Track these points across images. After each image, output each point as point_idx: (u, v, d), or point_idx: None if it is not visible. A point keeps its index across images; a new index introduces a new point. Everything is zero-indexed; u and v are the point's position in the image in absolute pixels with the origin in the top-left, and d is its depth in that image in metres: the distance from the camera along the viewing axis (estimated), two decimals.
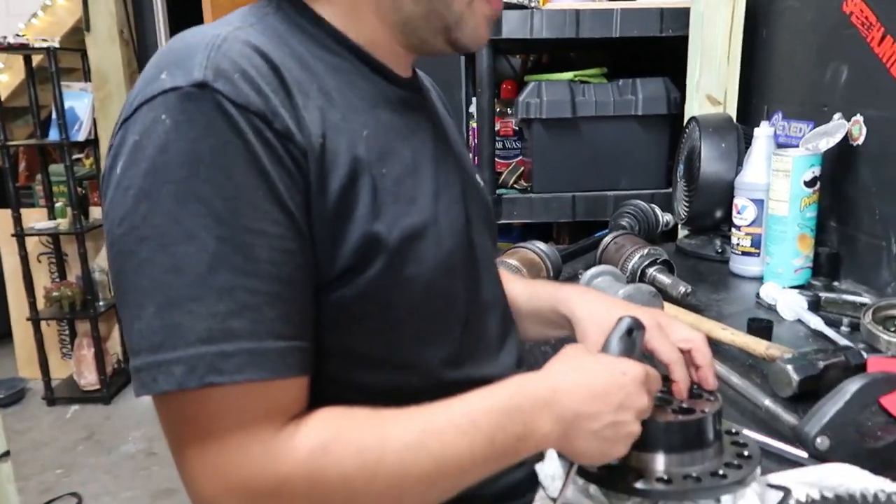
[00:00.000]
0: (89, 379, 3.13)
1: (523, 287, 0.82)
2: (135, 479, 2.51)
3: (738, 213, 1.23)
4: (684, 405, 0.59)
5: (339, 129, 0.54)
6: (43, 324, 3.16)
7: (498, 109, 1.85)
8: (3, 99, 3.06)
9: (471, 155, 2.03)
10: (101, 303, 3.18)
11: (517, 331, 0.75)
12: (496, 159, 1.78)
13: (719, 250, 1.33)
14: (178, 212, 0.46)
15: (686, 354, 0.63)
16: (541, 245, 1.20)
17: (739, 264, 1.24)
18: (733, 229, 1.25)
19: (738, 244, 1.24)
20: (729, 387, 0.78)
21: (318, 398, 0.52)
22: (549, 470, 0.60)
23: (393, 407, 0.51)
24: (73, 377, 3.20)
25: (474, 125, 1.93)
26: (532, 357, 0.91)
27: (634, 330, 0.58)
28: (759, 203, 1.20)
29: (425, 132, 0.65)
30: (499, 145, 1.86)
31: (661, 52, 1.77)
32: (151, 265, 0.46)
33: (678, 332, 0.64)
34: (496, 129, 1.81)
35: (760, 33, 1.48)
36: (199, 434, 0.46)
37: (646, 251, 1.14)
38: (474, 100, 1.90)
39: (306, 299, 0.51)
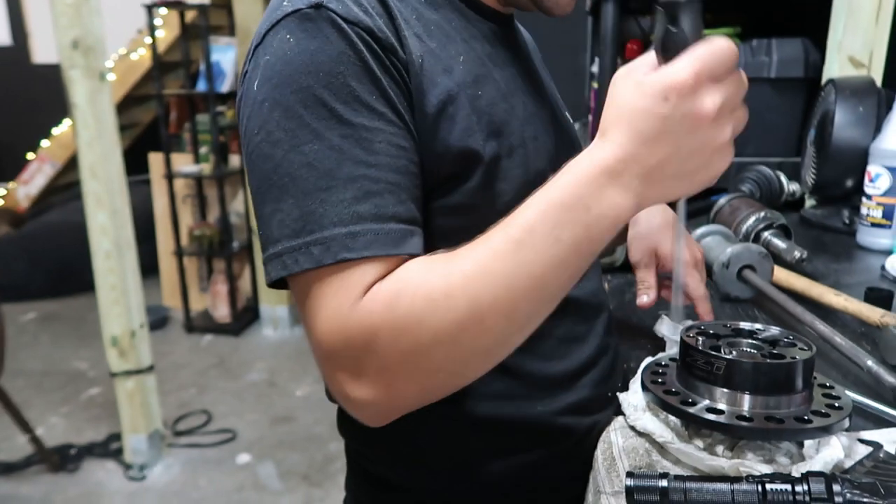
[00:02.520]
0: (222, 312, 3.43)
1: None
2: (258, 404, 2.74)
3: (871, 181, 1.16)
4: (775, 351, 0.59)
5: (435, 54, 0.58)
6: (185, 259, 3.48)
7: None
8: (159, 52, 3.34)
9: (590, 118, 2.01)
10: (235, 243, 3.45)
11: (597, 260, 0.77)
12: None
13: (847, 221, 1.26)
14: (306, 115, 0.52)
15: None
16: None
17: (868, 236, 1.17)
18: (864, 199, 1.18)
19: (867, 214, 1.17)
20: (833, 348, 0.76)
21: None
22: (633, 400, 0.63)
23: None
24: (209, 310, 3.51)
25: (595, 85, 1.91)
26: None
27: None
28: (895, 171, 1.12)
29: (517, 65, 0.68)
30: None
31: (801, 11, 1.66)
32: (288, 163, 0.52)
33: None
34: None
35: None
36: (327, 299, 0.52)
37: (762, 214, 1.11)
38: (597, 59, 1.87)
39: (419, 191, 0.56)
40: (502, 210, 0.59)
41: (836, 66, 1.42)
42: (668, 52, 0.47)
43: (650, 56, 0.49)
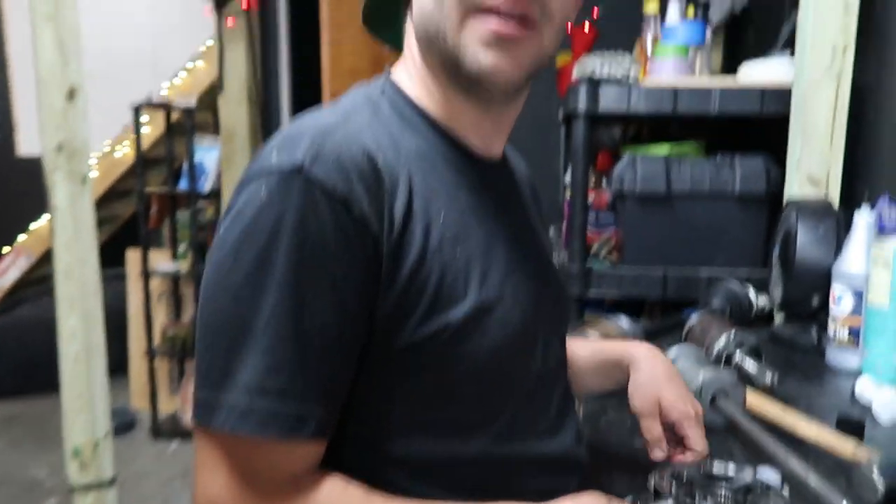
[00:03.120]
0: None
1: (588, 344, 0.85)
2: None
3: (836, 302, 1.18)
4: (742, 499, 0.58)
5: (417, 215, 0.59)
6: (156, 359, 3.40)
7: (593, 181, 1.87)
8: (143, 149, 3.40)
9: (564, 224, 2.06)
10: None
11: (577, 409, 0.77)
12: (588, 230, 1.79)
13: (816, 341, 1.28)
14: (254, 273, 0.54)
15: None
16: (624, 321, 1.20)
17: (837, 356, 1.18)
18: (830, 319, 1.20)
19: (835, 335, 1.18)
20: (807, 487, 0.75)
21: (364, 468, 0.59)
22: None
23: (434, 481, 0.56)
24: (178, 413, 3.40)
25: (568, 196, 1.96)
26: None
27: None
28: (858, 294, 1.15)
29: (503, 212, 0.69)
30: (591, 217, 1.88)
31: (761, 129, 1.75)
32: (224, 313, 0.54)
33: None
34: (590, 200, 1.83)
35: (868, 114, 1.44)
36: (211, 469, 0.55)
37: (733, 334, 1.12)
38: (570, 169, 1.94)
39: (342, 374, 0.57)
40: (475, 370, 0.59)
41: (796, 185, 1.48)
42: None
43: None
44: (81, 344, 2.03)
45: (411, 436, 0.60)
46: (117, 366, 3.08)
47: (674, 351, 1.07)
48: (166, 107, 3.27)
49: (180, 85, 3.84)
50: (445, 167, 0.65)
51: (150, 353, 3.33)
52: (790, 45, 1.64)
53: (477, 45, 0.59)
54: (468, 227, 0.63)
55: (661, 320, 1.40)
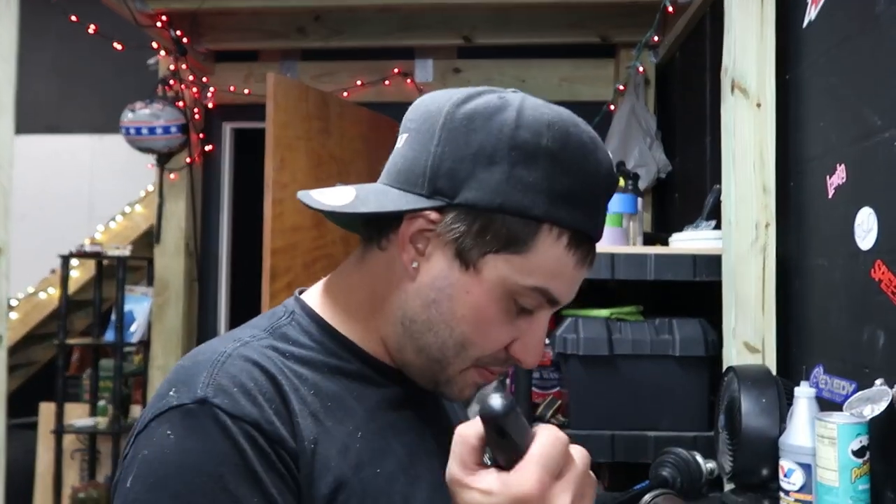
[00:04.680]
0: None
1: None
2: None
3: (785, 476, 1.18)
4: None
5: (330, 435, 0.57)
6: None
7: None
8: (69, 293, 3.26)
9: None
10: None
11: None
12: (533, 389, 1.78)
13: None
14: None
15: None
16: None
17: None
18: (781, 493, 1.19)
19: None
20: None
21: None
22: None
23: None
24: None
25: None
26: None
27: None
28: (807, 468, 1.15)
29: (427, 426, 0.67)
30: (536, 375, 1.87)
31: (696, 293, 1.82)
32: None
33: None
34: None
35: (794, 285, 1.52)
36: None
37: None
38: None
39: None
40: None
41: (734, 350, 1.52)
42: (503, 460, 0.49)
43: (468, 440, 0.50)
44: None
45: None
46: None
47: None
48: (98, 255, 3.19)
49: (115, 228, 3.79)
50: (362, 386, 0.63)
51: None
52: (715, 213, 1.75)
53: (467, 386, 0.65)
54: (388, 444, 0.62)
55: (614, 496, 1.36)
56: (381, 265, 0.64)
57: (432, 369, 0.63)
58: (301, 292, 0.69)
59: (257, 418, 0.53)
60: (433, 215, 0.60)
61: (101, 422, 3.11)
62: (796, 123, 1.54)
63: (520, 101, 0.60)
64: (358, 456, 0.58)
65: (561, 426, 1.71)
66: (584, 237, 0.61)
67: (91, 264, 3.46)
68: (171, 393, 0.55)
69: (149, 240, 3.43)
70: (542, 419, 1.76)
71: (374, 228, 0.64)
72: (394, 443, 0.62)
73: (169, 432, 0.52)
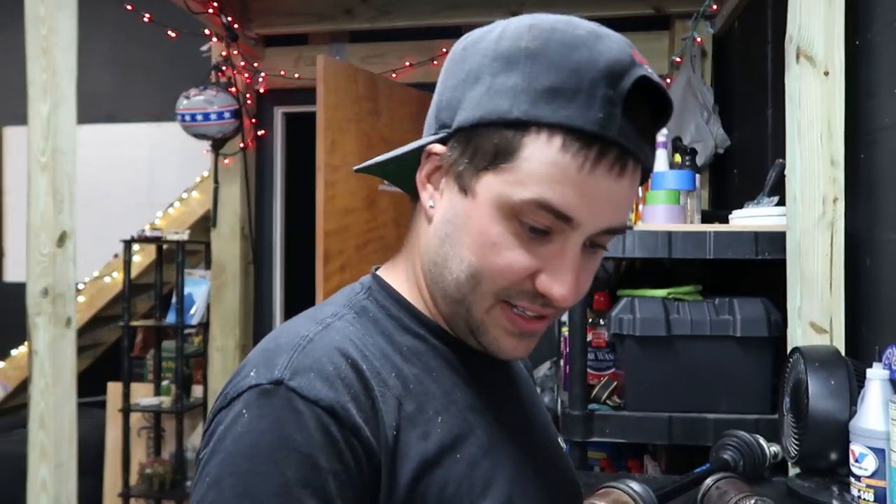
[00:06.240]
0: None
1: None
2: None
3: (856, 461, 1.13)
4: None
5: (413, 420, 0.56)
6: (132, 500, 3.21)
7: (590, 320, 1.85)
8: (132, 277, 3.37)
9: (562, 362, 2.02)
10: (188, 482, 3.22)
11: None
12: (588, 371, 1.75)
13: (838, 500, 1.21)
14: (234, 499, 0.49)
15: None
16: (634, 485, 1.13)
17: None
18: (852, 478, 1.14)
19: (859, 497, 1.12)
20: None
21: None
22: None
23: None
24: None
25: (566, 333, 1.93)
26: None
27: None
28: (880, 452, 1.10)
29: (504, 407, 0.66)
30: (591, 356, 1.84)
31: (759, 272, 1.75)
32: None
33: None
34: (588, 339, 1.80)
35: (864, 262, 1.45)
36: None
37: (752, 502, 1.05)
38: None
39: None
40: None
41: (798, 331, 1.46)
42: None
43: None
44: (52, 495, 1.90)
45: None
46: None
47: None
48: (158, 240, 3.28)
49: (173, 214, 3.89)
50: (441, 366, 0.62)
51: (126, 494, 3.15)
52: (777, 189, 1.68)
53: (499, 331, 0.60)
54: (469, 427, 0.60)
55: (673, 480, 1.33)
56: (419, 219, 0.64)
57: (461, 316, 0.61)
58: (377, 269, 0.68)
59: (332, 404, 0.52)
60: (437, 147, 0.59)
61: (165, 401, 3.22)
62: (867, 91, 1.45)
63: (511, 19, 0.58)
64: (439, 442, 0.57)
65: (616, 408, 1.69)
66: (586, 136, 0.52)
67: (151, 249, 3.56)
68: (251, 373, 0.54)
69: (205, 224, 3.51)
70: (597, 400, 1.73)
71: (410, 183, 0.64)
72: (476, 425, 0.61)
73: (244, 411, 0.52)
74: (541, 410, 0.75)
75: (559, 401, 1.91)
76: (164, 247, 3.45)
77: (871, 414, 1.13)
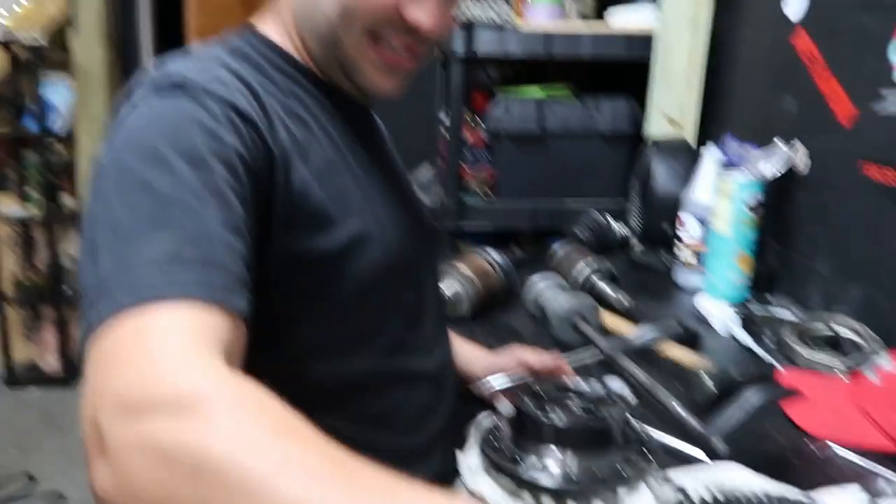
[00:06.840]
0: (51, 363, 3.13)
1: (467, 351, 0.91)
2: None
3: (684, 228, 1.28)
4: (595, 409, 0.62)
5: (296, 141, 0.60)
6: (8, 308, 3.14)
7: (468, 120, 1.89)
8: None
9: (440, 161, 2.08)
10: (66, 289, 3.17)
11: (448, 334, 0.82)
12: (464, 169, 1.82)
13: (665, 263, 1.38)
14: (139, 169, 0.48)
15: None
16: (493, 253, 1.23)
17: (683, 276, 1.29)
18: (678, 242, 1.30)
19: (682, 257, 1.29)
20: (648, 392, 0.83)
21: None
22: (470, 461, 0.64)
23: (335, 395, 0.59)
24: (35, 361, 3.19)
25: (447, 135, 1.97)
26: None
27: None
28: (705, 221, 1.25)
29: (372, 150, 0.72)
30: (469, 156, 1.90)
31: (627, 74, 1.83)
32: (111, 218, 0.47)
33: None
34: (466, 139, 1.86)
35: (721, 60, 1.54)
36: (131, 354, 0.44)
37: (590, 262, 1.19)
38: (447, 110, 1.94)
39: (250, 256, 0.51)
40: (359, 290, 0.61)
41: (654, 125, 1.57)
42: None
43: None
44: None
45: (308, 359, 0.62)
46: None
47: (539, 281, 1.12)
48: (11, 44, 2.93)
49: (22, 13, 3.44)
50: (317, 106, 0.66)
51: (0, 302, 3.07)
52: None
53: (371, 67, 0.64)
54: (342, 158, 0.65)
55: (529, 251, 1.46)
56: None
57: (334, 57, 0.64)
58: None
59: (232, 99, 0.54)
60: None
61: (34, 211, 3.07)
62: None
63: None
64: (319, 164, 0.61)
65: (485, 195, 1.79)
66: None
67: (5, 58, 3.18)
68: (153, 73, 0.56)
69: (61, 30, 3.15)
70: (467, 191, 1.82)
71: None
72: (348, 157, 0.66)
73: (144, 107, 0.53)
74: (401, 167, 0.81)
75: (435, 195, 1.99)
76: (21, 57, 3.10)
77: (701, 188, 1.27)
